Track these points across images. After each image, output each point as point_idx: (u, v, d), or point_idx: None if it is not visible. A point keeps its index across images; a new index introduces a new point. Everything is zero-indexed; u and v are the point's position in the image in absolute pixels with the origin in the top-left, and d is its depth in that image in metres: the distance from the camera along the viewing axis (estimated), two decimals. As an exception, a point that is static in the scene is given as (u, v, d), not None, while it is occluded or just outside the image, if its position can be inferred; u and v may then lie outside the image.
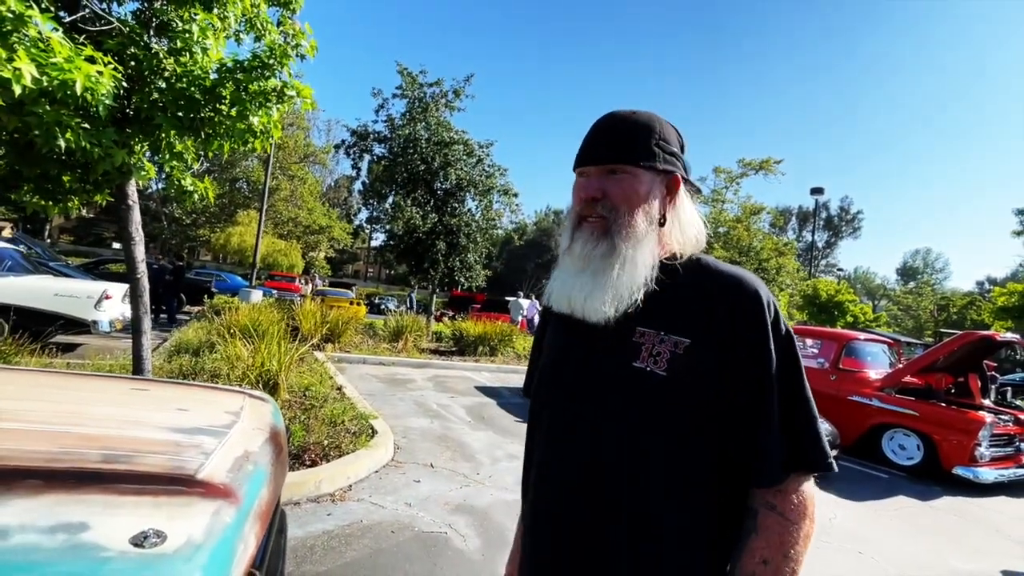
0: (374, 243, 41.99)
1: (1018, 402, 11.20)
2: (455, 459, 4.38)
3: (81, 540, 0.89)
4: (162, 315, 11.44)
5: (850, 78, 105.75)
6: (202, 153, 3.62)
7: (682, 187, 0.89)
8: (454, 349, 11.47)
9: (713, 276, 0.83)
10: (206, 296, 12.85)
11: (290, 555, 2.52)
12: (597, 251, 0.85)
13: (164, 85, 3.24)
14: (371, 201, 13.93)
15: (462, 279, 13.01)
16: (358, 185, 14.81)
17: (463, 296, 23.27)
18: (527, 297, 21.62)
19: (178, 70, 3.17)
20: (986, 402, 6.56)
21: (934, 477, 5.56)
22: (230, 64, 3.28)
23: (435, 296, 14.64)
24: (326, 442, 3.82)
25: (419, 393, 6.96)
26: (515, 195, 13.63)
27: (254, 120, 3.30)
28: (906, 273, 62.80)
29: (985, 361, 7.59)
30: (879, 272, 69.07)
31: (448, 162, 12.40)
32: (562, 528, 0.84)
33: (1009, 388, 13.52)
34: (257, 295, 12.83)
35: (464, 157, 12.78)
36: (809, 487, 0.79)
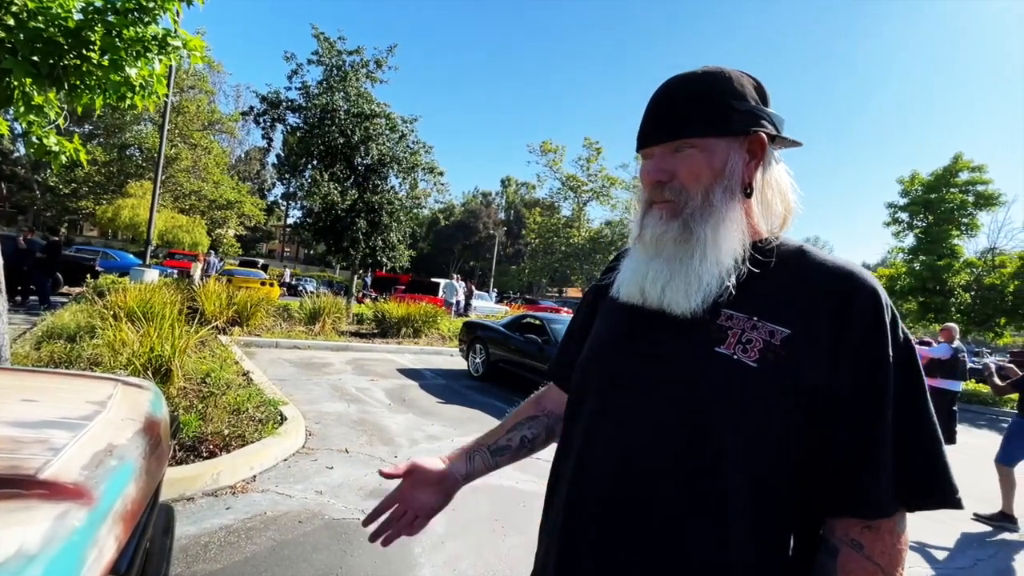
0: (290, 220, 39.54)
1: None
2: (372, 443, 4.25)
3: None
4: (32, 297, 10.02)
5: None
6: (65, 107, 3.12)
7: (768, 148, 0.75)
8: (376, 331, 11.12)
9: (820, 265, 0.71)
10: (89, 276, 11.39)
11: (179, 555, 2.31)
12: (669, 234, 0.74)
13: (13, 22, 2.74)
14: (286, 175, 13.00)
15: (385, 259, 12.59)
16: (272, 158, 13.76)
17: (387, 277, 22.61)
18: (455, 278, 21.45)
19: (30, 4, 2.69)
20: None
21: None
22: (99, 3, 2.84)
23: (356, 277, 14.06)
24: (227, 431, 3.54)
25: (336, 377, 6.67)
26: (441, 173, 13.35)
27: (131, 72, 2.89)
28: (798, 259, 69.55)
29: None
30: (776, 258, 75.91)
31: (369, 136, 11.84)
32: (603, 522, 0.71)
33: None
34: (152, 275, 11.56)
35: (387, 132, 12.27)
36: (905, 528, 0.66)
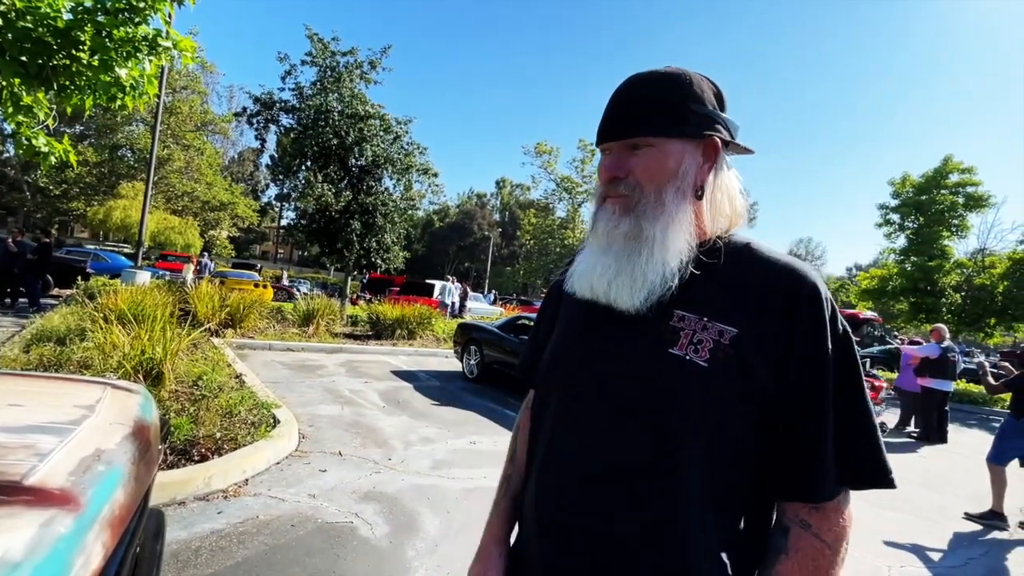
0: (284, 222, 39.39)
1: (875, 371, 12.99)
2: (366, 445, 4.23)
3: None
4: (22, 299, 9.91)
5: (744, 83, 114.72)
6: (54, 108, 3.08)
7: (722, 152, 0.78)
8: (370, 333, 11.07)
9: (766, 263, 0.74)
10: (79, 278, 11.27)
11: (170, 560, 2.28)
12: (620, 230, 0.75)
13: (1, 22, 2.71)
14: (280, 176, 12.93)
15: (379, 261, 12.55)
16: (265, 159, 13.72)
17: (381, 278, 22.52)
18: (450, 280, 21.41)
19: (19, 4, 2.66)
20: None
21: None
22: (89, 3, 2.81)
23: (350, 278, 14.01)
24: (219, 435, 3.51)
25: (330, 379, 6.64)
26: (435, 175, 13.31)
27: (121, 72, 2.86)
28: (792, 259, 70.05)
29: (850, 337, 8.63)
30: (770, 259, 76.20)
31: (363, 137, 11.80)
32: (572, 519, 0.74)
33: (868, 360, 15.63)
34: (144, 277, 11.46)
35: (381, 133, 12.23)
36: (850, 507, 0.70)
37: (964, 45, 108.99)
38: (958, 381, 8.12)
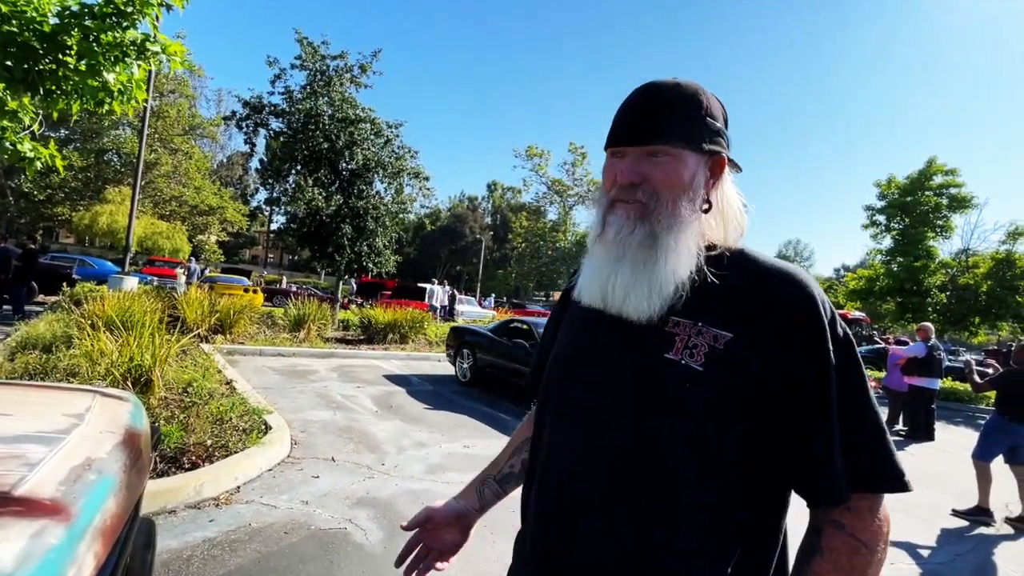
0: (274, 226, 39.05)
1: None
2: (359, 451, 4.20)
3: None
4: (6, 306, 9.74)
5: (732, 85, 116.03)
6: (40, 112, 3.05)
7: (727, 168, 0.80)
8: (362, 337, 11.02)
9: (761, 269, 0.74)
10: (65, 284, 11.10)
11: (161, 570, 2.25)
12: (634, 237, 0.74)
13: (-15, 26, 2.67)
14: (269, 180, 12.85)
15: (370, 265, 12.50)
16: (255, 163, 13.61)
17: (373, 282, 22.43)
18: (440, 284, 21.38)
19: (4, 8, 2.63)
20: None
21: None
22: (75, 7, 2.78)
23: (341, 283, 13.93)
24: (210, 442, 3.48)
25: (322, 384, 6.59)
26: (427, 179, 13.31)
27: (109, 77, 2.84)
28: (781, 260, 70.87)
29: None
30: (759, 260, 76.91)
31: (354, 141, 11.77)
32: (570, 523, 0.75)
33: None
34: (131, 282, 11.31)
35: (371, 137, 12.20)
36: (885, 509, 0.70)
37: (948, 49, 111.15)
38: (944, 379, 8.24)
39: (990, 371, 7.24)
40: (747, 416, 0.69)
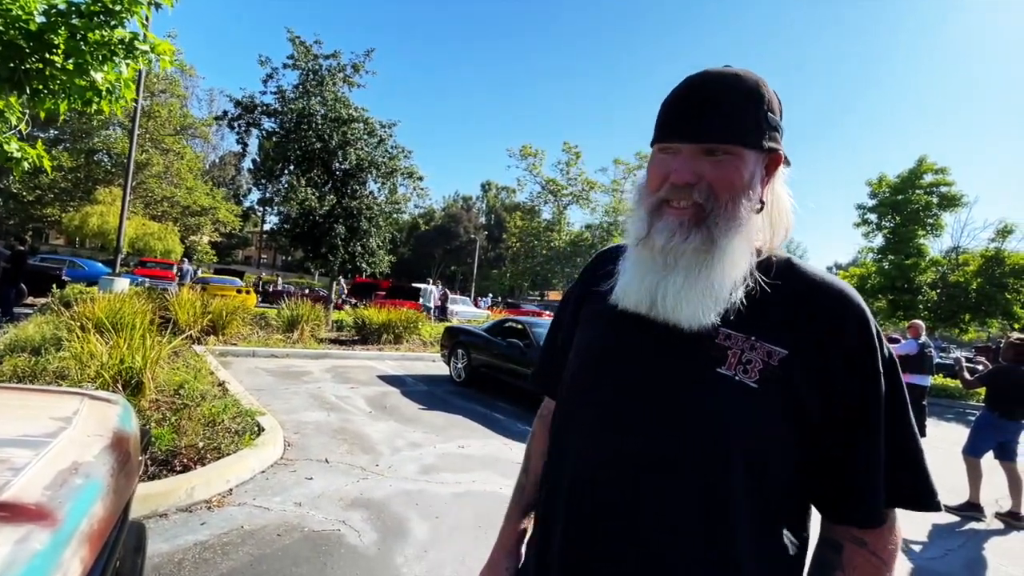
0: (267, 226, 38.85)
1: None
2: (353, 452, 4.19)
3: None
4: (-6, 308, 9.60)
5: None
6: (27, 112, 3.01)
7: (781, 166, 0.75)
8: (356, 338, 10.98)
9: (812, 284, 0.72)
10: (55, 286, 10.98)
11: (152, 574, 2.23)
12: (689, 244, 0.69)
13: (-31, 25, 2.63)
14: (262, 180, 12.76)
15: (364, 265, 12.45)
16: (247, 163, 13.56)
17: (367, 283, 22.35)
18: (435, 284, 21.34)
19: (-12, 7, 2.59)
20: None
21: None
22: (62, 6, 2.75)
23: (335, 283, 13.87)
24: (202, 444, 3.45)
25: (316, 385, 6.56)
26: (420, 178, 13.26)
27: (97, 76, 2.80)
28: (774, 259, 71.24)
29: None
30: (752, 259, 77.34)
31: (347, 141, 11.71)
32: (609, 542, 0.71)
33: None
34: (122, 284, 11.20)
35: (365, 136, 12.14)
36: (899, 524, 0.71)
37: (939, 47, 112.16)
38: (935, 376, 8.32)
39: (980, 367, 7.33)
40: (800, 434, 0.68)
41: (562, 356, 0.90)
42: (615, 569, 0.70)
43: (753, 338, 0.69)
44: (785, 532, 0.71)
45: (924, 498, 0.69)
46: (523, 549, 0.95)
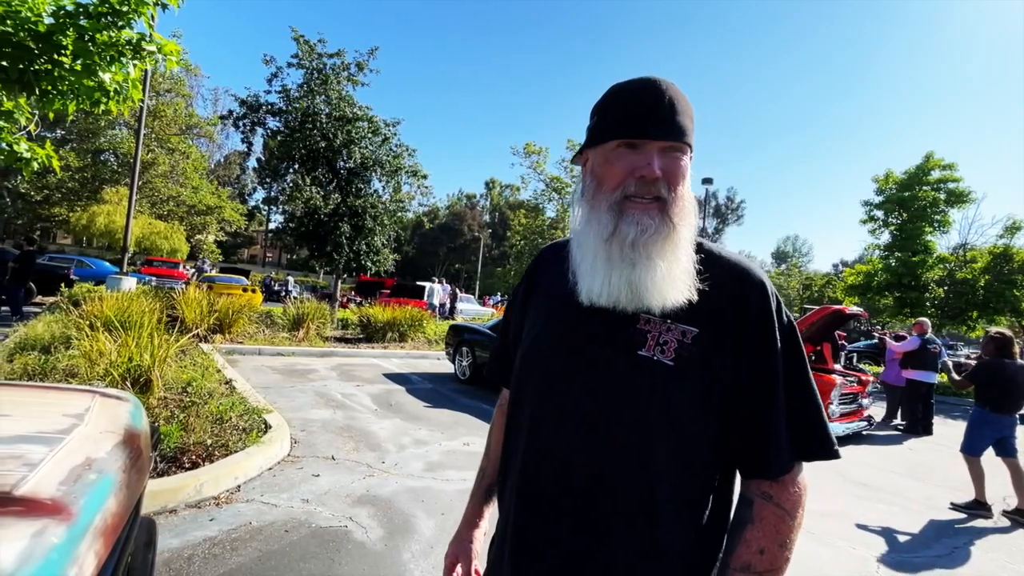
0: (272, 225, 38.99)
1: (861, 365, 13.17)
2: (359, 449, 4.21)
3: None
4: (3, 308, 9.72)
5: (731, 83, 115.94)
6: (36, 113, 3.04)
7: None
8: (361, 336, 11.03)
9: (718, 264, 0.80)
10: (63, 285, 11.08)
11: (162, 569, 2.26)
12: (660, 235, 0.75)
13: (-21, 27, 2.66)
14: (267, 179, 12.83)
15: (369, 263, 12.49)
16: (252, 162, 13.64)
17: (372, 281, 22.42)
18: (440, 282, 21.37)
19: (-2, 9, 2.62)
20: (837, 367, 7.60)
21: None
22: (70, 7, 2.77)
23: (340, 281, 13.92)
24: (210, 441, 3.48)
25: (321, 383, 6.60)
26: (424, 177, 13.29)
27: (104, 77, 2.83)
28: (779, 256, 70.86)
29: (837, 331, 8.78)
30: (758, 256, 77.04)
31: (352, 140, 11.74)
32: (552, 508, 0.79)
33: (855, 354, 15.87)
34: (130, 283, 11.29)
35: (369, 135, 12.18)
36: (804, 477, 0.79)
37: (946, 42, 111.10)
38: (941, 374, 8.28)
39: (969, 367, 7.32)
40: (715, 403, 0.76)
41: (513, 350, 0.98)
42: (553, 528, 0.79)
43: (669, 321, 0.77)
44: (706, 497, 0.79)
45: (823, 449, 0.78)
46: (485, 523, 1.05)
